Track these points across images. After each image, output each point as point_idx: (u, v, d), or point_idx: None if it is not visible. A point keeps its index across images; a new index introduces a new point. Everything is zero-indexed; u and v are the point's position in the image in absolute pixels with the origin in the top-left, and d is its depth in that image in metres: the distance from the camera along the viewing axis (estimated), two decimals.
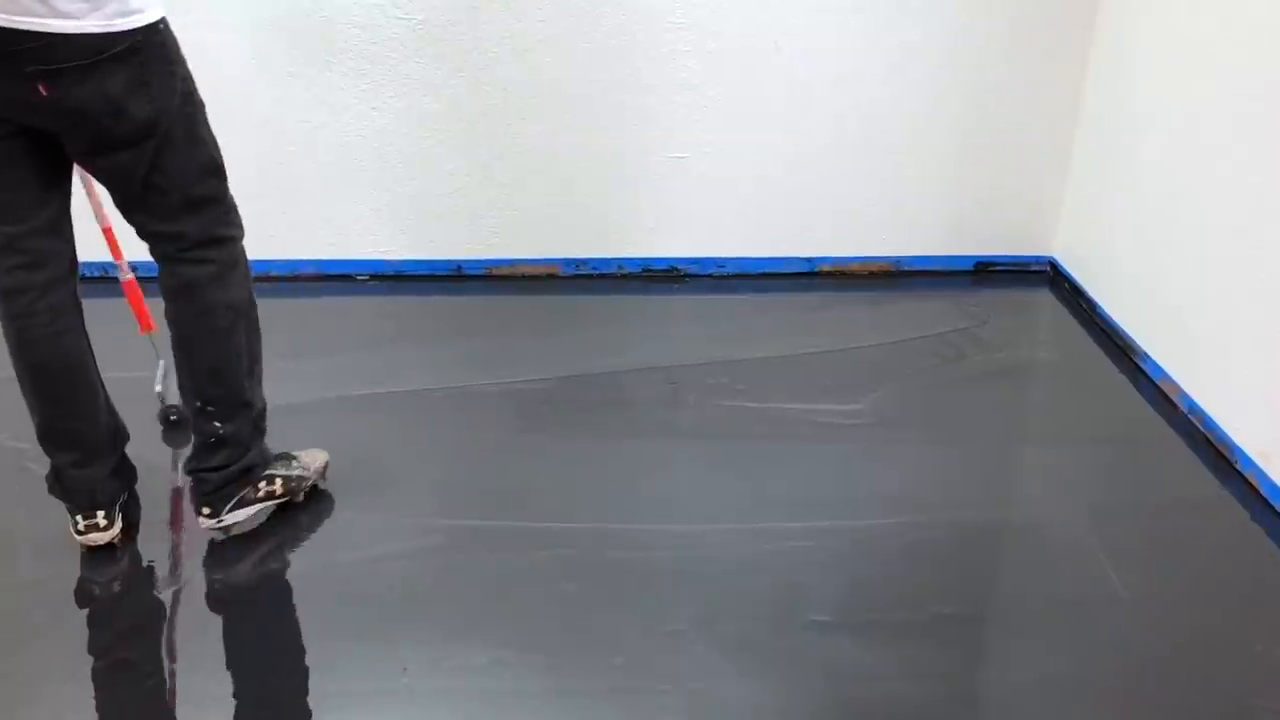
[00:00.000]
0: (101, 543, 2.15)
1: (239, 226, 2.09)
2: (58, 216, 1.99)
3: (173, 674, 1.89)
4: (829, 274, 3.37)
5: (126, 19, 1.77)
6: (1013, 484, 2.47)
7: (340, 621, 2.01)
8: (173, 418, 2.58)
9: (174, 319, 2.06)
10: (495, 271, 3.33)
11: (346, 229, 3.28)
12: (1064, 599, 2.08)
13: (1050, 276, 3.35)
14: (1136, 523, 2.27)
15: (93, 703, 1.83)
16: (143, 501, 2.30)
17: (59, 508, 2.15)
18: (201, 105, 1.97)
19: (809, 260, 3.36)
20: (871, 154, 3.22)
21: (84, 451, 2.10)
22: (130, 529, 2.22)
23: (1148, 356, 2.78)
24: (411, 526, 2.26)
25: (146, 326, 2.54)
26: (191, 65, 3.04)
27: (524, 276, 3.33)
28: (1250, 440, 2.37)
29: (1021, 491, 2.45)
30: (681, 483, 2.45)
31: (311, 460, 2.30)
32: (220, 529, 2.20)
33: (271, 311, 3.12)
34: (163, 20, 1.86)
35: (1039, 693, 1.87)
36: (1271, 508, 2.27)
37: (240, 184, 3.16)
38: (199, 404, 2.10)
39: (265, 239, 3.24)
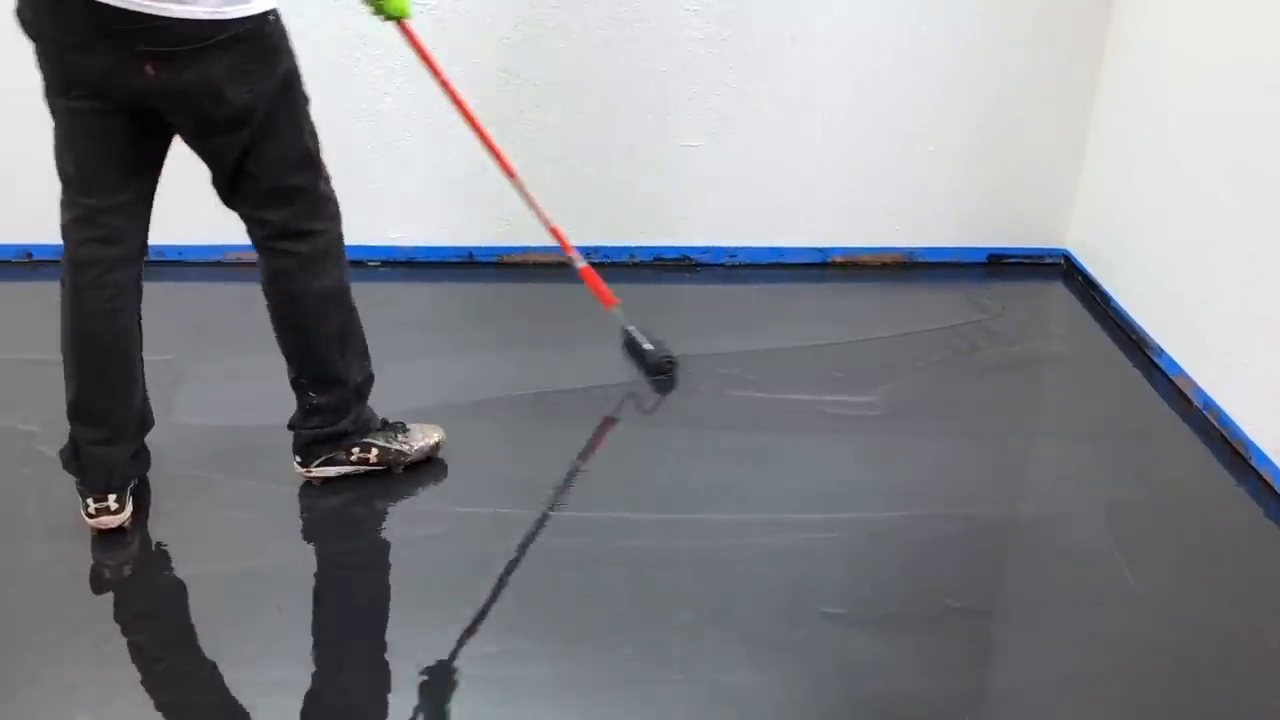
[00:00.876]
0: (112, 526, 2.15)
1: (329, 218, 2.12)
2: (138, 199, 2.04)
3: (183, 658, 1.89)
4: (841, 265, 3.36)
5: (234, 7, 1.81)
6: (1026, 478, 2.46)
7: (350, 609, 2.01)
8: (667, 366, 2.73)
9: (268, 302, 2.15)
10: (507, 259, 3.32)
11: (357, 215, 3.26)
12: (1077, 594, 2.07)
13: (1064, 269, 3.33)
14: (1151, 518, 2.26)
15: (99, 685, 1.84)
16: (155, 486, 2.30)
17: (69, 490, 2.15)
18: (304, 99, 2.03)
19: (821, 251, 3.35)
20: (885, 145, 3.20)
21: (112, 431, 2.12)
22: (139, 513, 2.22)
23: (1162, 351, 2.76)
24: (423, 514, 2.25)
25: (609, 301, 2.78)
26: None
27: (535, 264, 3.32)
28: (1265, 436, 2.35)
29: (1034, 486, 2.43)
30: (693, 473, 2.44)
31: (421, 437, 2.35)
32: (308, 477, 2.28)
33: None
34: (272, 12, 1.90)
35: (1052, 688, 1.86)
36: None
37: None
38: (294, 375, 2.20)
39: None
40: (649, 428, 2.58)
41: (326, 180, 2.11)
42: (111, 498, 2.13)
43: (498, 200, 3.23)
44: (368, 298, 3.15)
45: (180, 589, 2.04)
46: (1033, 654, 1.94)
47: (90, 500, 2.13)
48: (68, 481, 2.18)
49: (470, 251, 3.32)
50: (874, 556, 2.15)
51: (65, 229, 2.02)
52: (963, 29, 3.07)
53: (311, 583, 2.08)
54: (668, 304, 3.16)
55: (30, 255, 3.28)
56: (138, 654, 1.89)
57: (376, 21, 2.99)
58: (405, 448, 2.32)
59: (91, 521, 2.14)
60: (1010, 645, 1.98)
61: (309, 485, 2.30)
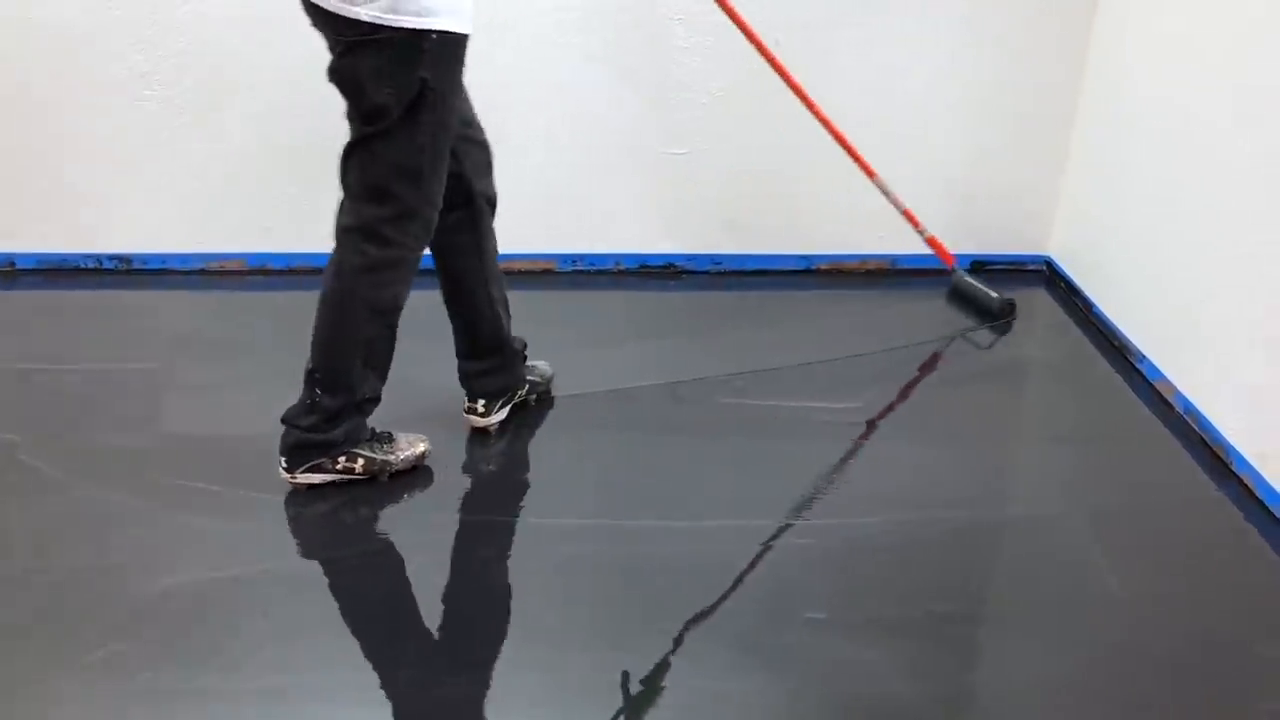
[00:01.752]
0: (477, 425, 2.50)
1: (414, 237, 2.17)
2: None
3: (168, 668, 1.88)
4: (826, 272, 3.37)
5: (393, 16, 1.95)
6: (1009, 483, 2.48)
7: (338, 616, 2.00)
8: (1009, 307, 3.07)
9: (323, 290, 2.21)
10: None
11: None
12: (1060, 598, 2.08)
13: (1046, 276, 3.35)
14: (1132, 523, 2.28)
15: (82, 697, 1.83)
16: (137, 494, 2.29)
17: (52, 499, 2.14)
18: (440, 124, 2.09)
19: (806, 258, 3.36)
20: (868, 152, 3.21)
21: (468, 347, 2.46)
22: (506, 425, 2.52)
23: (1144, 357, 2.78)
24: (410, 522, 2.25)
25: (949, 261, 3.16)
26: (184, 55, 3.04)
27: (520, 272, 3.32)
28: (1246, 442, 2.37)
29: (1017, 491, 2.45)
30: (678, 480, 2.44)
31: (407, 446, 2.36)
32: (291, 483, 2.29)
33: (265, 305, 3.14)
34: (436, 34, 1.99)
35: (1035, 692, 1.87)
36: (1266, 509, 2.27)
37: (236, 177, 3.18)
38: (310, 366, 2.24)
39: (261, 232, 3.26)
40: (633, 434, 2.58)
41: (430, 205, 2.16)
42: (480, 402, 2.48)
43: None
44: None
45: (165, 598, 2.03)
46: (1016, 658, 1.95)
47: (465, 400, 2.49)
48: (51, 491, 2.18)
49: None
50: (858, 562, 2.16)
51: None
52: (945, 37, 3.09)
53: (298, 590, 2.07)
54: (652, 311, 3.17)
55: (13, 264, 3.27)
56: (122, 664, 1.88)
57: None
58: (391, 457, 2.33)
59: (465, 418, 2.49)
60: (994, 649, 1.99)
61: (295, 493, 2.30)
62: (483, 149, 2.35)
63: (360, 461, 2.29)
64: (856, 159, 2.93)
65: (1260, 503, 2.29)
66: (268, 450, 2.40)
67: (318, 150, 3.15)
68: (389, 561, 2.14)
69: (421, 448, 2.39)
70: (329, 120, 3.11)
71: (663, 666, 1.90)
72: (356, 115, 2.09)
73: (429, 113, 2.06)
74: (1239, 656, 1.93)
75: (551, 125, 3.13)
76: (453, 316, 2.46)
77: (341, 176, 2.16)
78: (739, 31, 2.74)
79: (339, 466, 2.28)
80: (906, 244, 3.33)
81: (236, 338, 2.98)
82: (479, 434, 2.52)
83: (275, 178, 3.20)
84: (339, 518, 2.25)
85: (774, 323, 3.11)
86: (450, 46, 2.04)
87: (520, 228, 3.28)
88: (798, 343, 2.97)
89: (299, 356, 2.83)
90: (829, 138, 2.89)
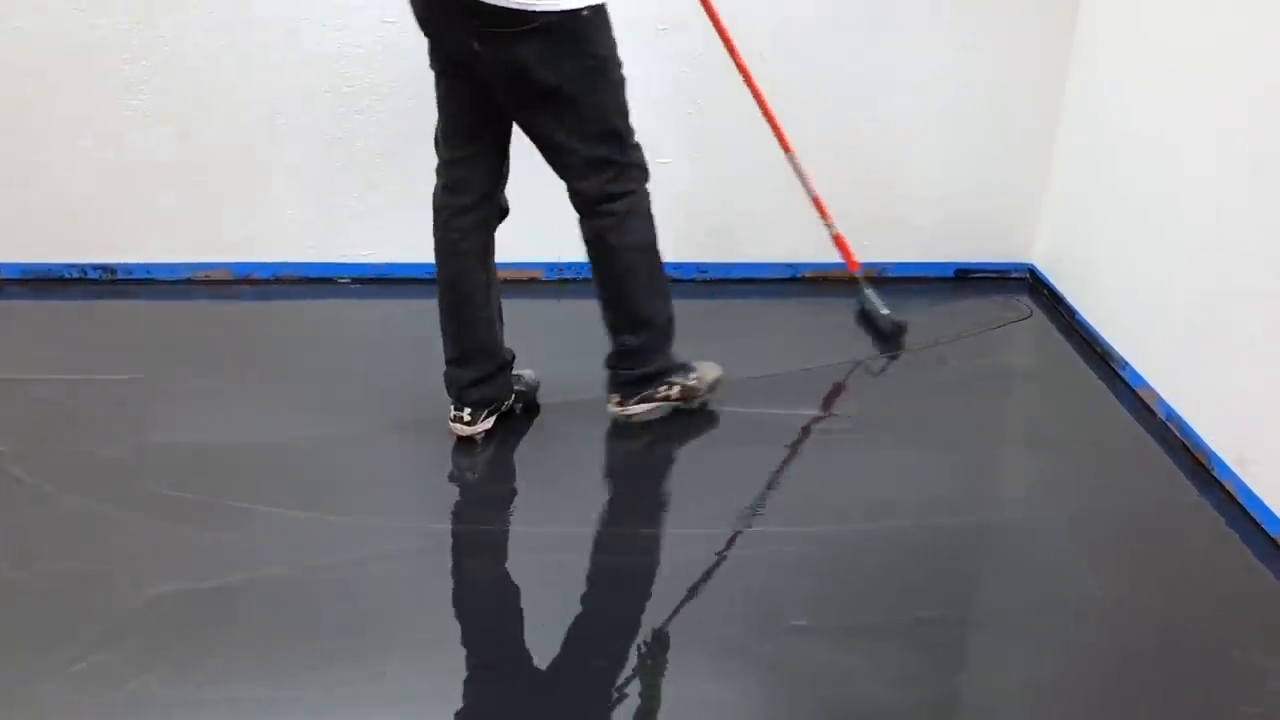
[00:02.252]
0: (462, 434, 2.50)
1: (636, 181, 2.37)
2: (479, 156, 2.35)
3: (154, 678, 1.88)
4: (811, 280, 3.38)
5: (544, 2, 2.05)
6: (993, 489, 2.49)
7: (322, 625, 2.00)
8: (898, 330, 3.01)
9: (590, 257, 2.42)
10: None
11: (328, 232, 3.28)
12: (1043, 603, 2.09)
13: (1030, 283, 3.37)
14: (1115, 528, 2.29)
15: (68, 707, 1.82)
16: (123, 504, 2.29)
17: (39, 511, 2.13)
18: (616, 83, 2.25)
19: (791, 266, 3.38)
20: (853, 161, 3.23)
21: (459, 354, 2.47)
22: (492, 434, 2.53)
23: (1126, 364, 2.80)
24: (394, 531, 2.25)
25: (853, 266, 3.12)
26: (169, 66, 3.05)
27: (506, 281, 3.31)
28: (1226, 447, 2.39)
29: (1001, 497, 2.46)
30: (664, 487, 2.45)
31: (706, 372, 2.61)
32: (624, 416, 2.55)
33: (250, 315, 3.14)
34: (588, 9, 2.11)
35: (1019, 696, 1.88)
36: (1247, 513, 2.29)
37: (221, 187, 3.18)
38: (610, 321, 2.48)
39: (246, 242, 3.26)
40: (619, 443, 2.59)
41: (635, 148, 2.35)
42: (465, 411, 2.48)
43: None
44: (340, 315, 3.19)
45: (149, 608, 2.03)
46: (1000, 662, 1.96)
47: (451, 408, 2.50)
48: (35, 501, 2.18)
49: None
50: (843, 567, 2.17)
51: (438, 171, 2.41)
52: (930, 49, 3.11)
53: (285, 600, 2.07)
54: None
55: None
56: (107, 674, 1.88)
57: (351, 39, 3.03)
58: (698, 384, 2.59)
59: (450, 426, 2.50)
60: (978, 654, 2.00)
61: (279, 503, 2.29)
62: (506, 159, 2.45)
63: (677, 388, 2.56)
64: (777, 131, 2.94)
65: (1241, 508, 2.31)
66: (252, 460, 2.41)
67: (302, 160, 3.17)
68: (373, 571, 2.14)
69: (717, 371, 2.64)
70: (313, 131, 3.13)
71: (646, 674, 1.90)
72: (519, 101, 2.20)
73: (604, 79, 2.22)
74: (1219, 660, 1.94)
75: None
76: (447, 321, 2.47)
77: (557, 172, 2.33)
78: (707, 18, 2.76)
79: (660, 395, 2.55)
80: (891, 252, 3.36)
81: (222, 347, 2.97)
82: (464, 442, 2.52)
83: (260, 187, 3.20)
84: (323, 529, 2.25)
85: (759, 330, 3.12)
86: (601, 13, 2.17)
87: (506, 236, 3.29)
88: (782, 350, 2.98)
89: (284, 365, 2.86)
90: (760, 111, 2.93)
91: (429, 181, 3.17)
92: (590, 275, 2.48)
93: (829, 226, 3.06)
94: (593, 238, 2.39)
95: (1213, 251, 2.44)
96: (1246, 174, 2.31)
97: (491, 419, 2.54)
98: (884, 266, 3.37)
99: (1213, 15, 2.44)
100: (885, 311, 3.04)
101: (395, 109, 3.12)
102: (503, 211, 2.47)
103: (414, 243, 3.28)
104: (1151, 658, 1.95)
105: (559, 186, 3.02)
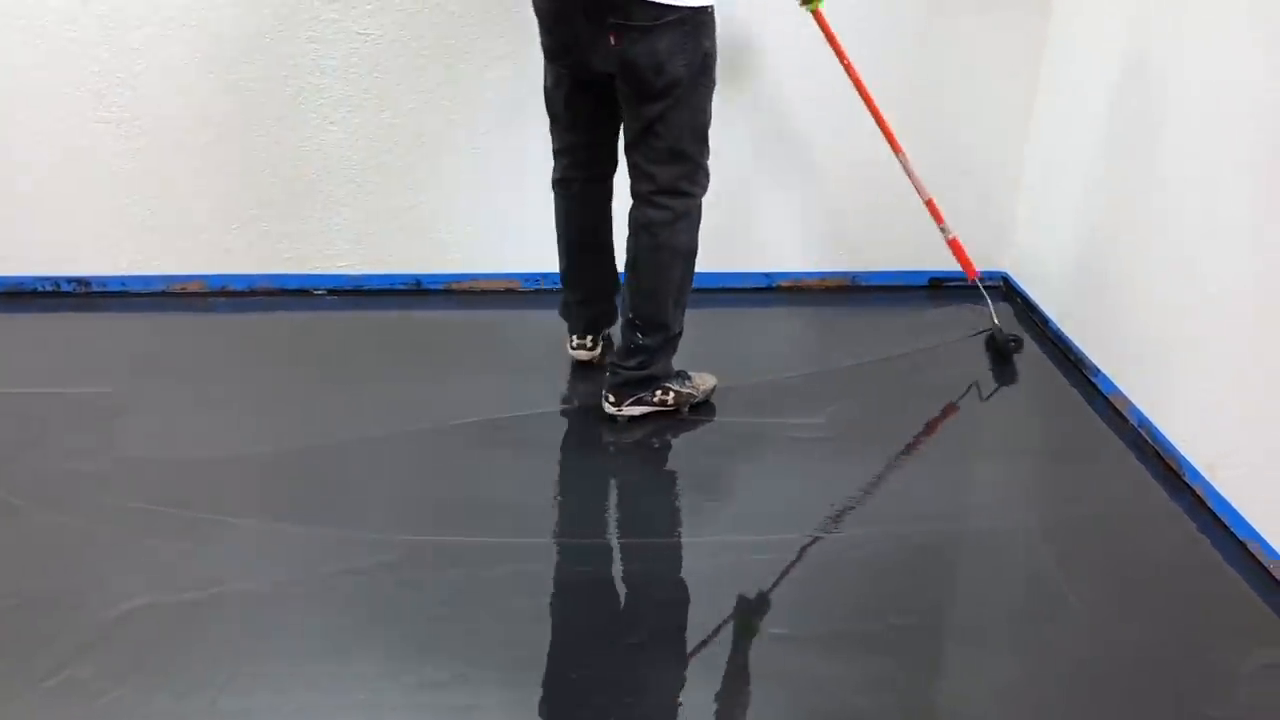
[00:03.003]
0: (584, 359, 2.85)
1: (702, 187, 2.50)
2: (601, 137, 2.56)
3: (130, 690, 1.87)
4: (787, 289, 3.40)
5: None
6: (967, 497, 2.50)
7: (298, 638, 1.99)
8: (1011, 346, 3.02)
9: (631, 248, 2.53)
10: (455, 286, 3.33)
11: (305, 244, 3.27)
12: (1017, 610, 2.11)
13: (1003, 291, 3.40)
14: (1088, 535, 2.31)
15: None
16: (97, 519, 2.28)
17: (21, 519, 2.11)
18: (713, 82, 2.40)
19: (767, 275, 3.39)
20: (829, 172, 3.25)
21: (585, 294, 2.78)
22: (603, 356, 2.81)
23: (1098, 370, 2.83)
24: (370, 543, 2.24)
25: (971, 275, 3.10)
26: (142, 77, 3.05)
27: (484, 292, 3.33)
28: (1197, 453, 2.41)
29: (976, 504, 2.47)
30: (640, 497, 2.46)
31: (702, 382, 2.72)
32: (619, 416, 2.63)
33: (225, 327, 3.13)
34: (710, 6, 2.30)
35: (993, 703, 1.90)
36: (1217, 518, 2.31)
37: (194, 199, 3.17)
38: (631, 316, 2.57)
39: (221, 254, 3.25)
40: (595, 453, 2.59)
41: (708, 156, 2.47)
42: (588, 338, 2.84)
43: (444, 228, 3.26)
44: (316, 327, 3.18)
45: (123, 621, 2.02)
46: (974, 669, 1.97)
47: (574, 338, 2.83)
48: (8, 516, 2.15)
49: (418, 279, 3.33)
50: (819, 576, 2.18)
51: (554, 155, 2.64)
52: (904, 61, 3.13)
53: (259, 613, 2.06)
54: (615, 329, 3.18)
55: None
56: (81, 688, 1.86)
57: (326, 51, 3.03)
58: (693, 391, 2.68)
59: (572, 353, 2.85)
60: (952, 661, 2.01)
61: (253, 516, 2.29)
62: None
63: (671, 395, 2.65)
64: (887, 134, 2.98)
65: (1211, 512, 2.33)
66: (226, 472, 2.40)
67: (278, 172, 3.17)
68: (347, 583, 2.13)
69: (712, 382, 2.75)
70: (288, 143, 3.13)
71: (625, 682, 1.91)
72: (648, 95, 2.31)
73: (707, 76, 2.37)
74: (1192, 665, 1.96)
75: (520, 146, 3.14)
76: (582, 267, 2.75)
77: (631, 147, 2.44)
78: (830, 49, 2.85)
79: (655, 399, 2.63)
80: (865, 261, 3.38)
81: (196, 360, 2.96)
82: (441, 451, 2.52)
83: (235, 199, 3.19)
84: (296, 541, 2.24)
85: (736, 340, 3.13)
86: (712, 15, 2.33)
87: (484, 247, 3.31)
88: (759, 360, 2.99)
89: (258, 378, 2.85)
90: (884, 144, 2.99)
91: (406, 192, 3.20)
92: (625, 269, 2.59)
93: (944, 231, 3.05)
94: (644, 226, 2.49)
95: (1184, 259, 2.47)
96: (1217, 183, 2.34)
97: (602, 343, 2.87)
98: (859, 276, 3.40)
99: (1183, 26, 2.48)
100: (998, 322, 3.06)
101: (370, 121, 3.12)
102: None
103: (389, 255, 3.30)
104: (1123, 662, 1.97)
105: (538, 196, 3.05)
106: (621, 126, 2.47)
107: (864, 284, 3.40)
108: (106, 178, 3.13)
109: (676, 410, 2.66)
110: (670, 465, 2.56)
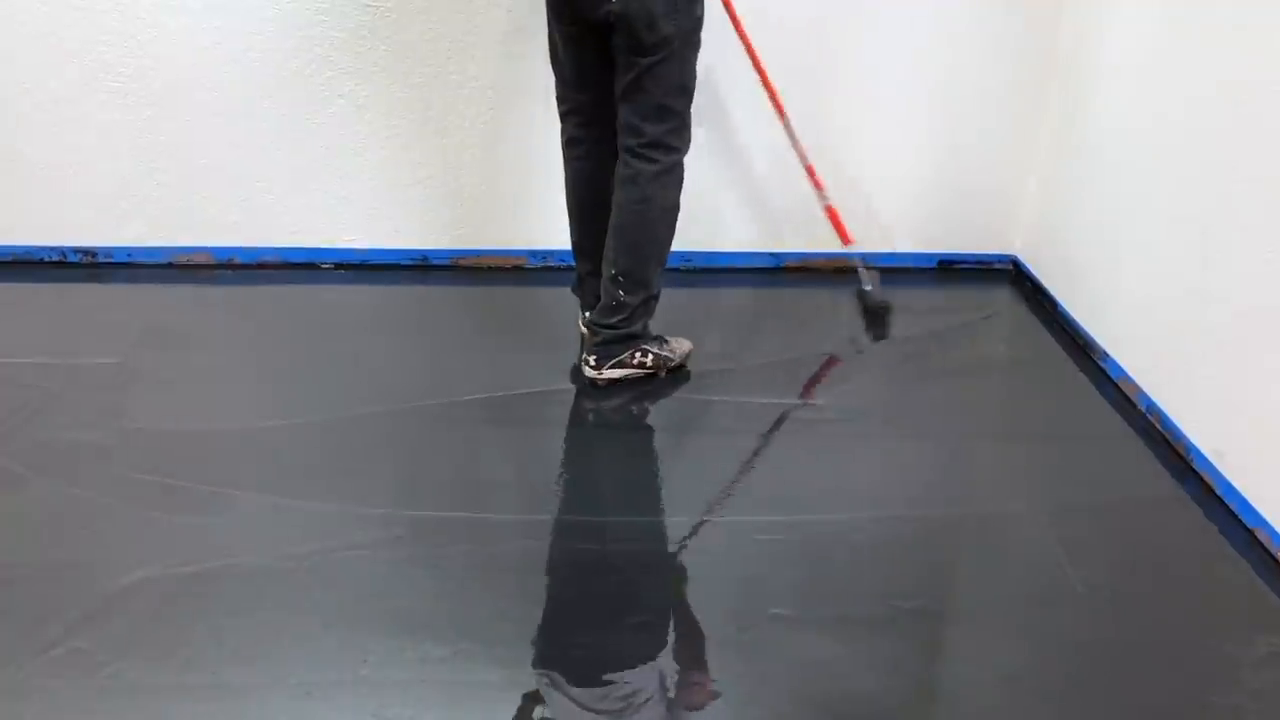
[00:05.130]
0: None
1: (686, 143, 2.59)
2: (605, 94, 2.55)
3: (131, 663, 1.87)
4: (795, 270, 3.39)
5: None
6: (973, 480, 2.49)
7: (301, 612, 1.99)
8: (881, 311, 3.08)
9: (618, 202, 2.58)
10: (461, 262, 3.32)
11: (311, 218, 3.26)
12: (1023, 595, 2.10)
13: (1012, 275, 3.38)
14: (1094, 519, 2.30)
15: (44, 692, 1.82)
16: (102, 488, 2.28)
17: (18, 493, 2.11)
18: (699, 43, 2.50)
19: (775, 256, 3.38)
20: (838, 153, 3.23)
21: (594, 265, 2.70)
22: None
23: (1107, 355, 2.82)
24: (374, 518, 2.24)
25: (846, 241, 3.10)
26: (150, 47, 3.03)
27: (490, 268, 3.32)
28: (1205, 439, 2.40)
29: (982, 488, 2.47)
30: (645, 476, 2.45)
31: (679, 346, 2.76)
32: (599, 379, 2.67)
33: (231, 299, 3.13)
34: None
35: (999, 687, 1.89)
36: (1225, 505, 2.31)
37: (203, 171, 3.16)
38: (614, 272, 2.60)
39: (228, 226, 3.24)
40: (600, 431, 2.59)
41: (690, 114, 2.56)
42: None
43: (452, 203, 3.25)
44: (322, 301, 3.18)
45: (128, 593, 2.02)
46: (980, 653, 1.97)
47: (586, 314, 2.77)
48: (13, 486, 2.16)
49: (425, 254, 3.32)
50: (824, 558, 2.17)
51: (562, 118, 2.67)
52: (915, 39, 3.11)
53: (265, 586, 2.06)
54: None
55: None
56: (85, 660, 1.87)
57: (334, 23, 3.01)
58: (670, 354, 2.72)
59: (584, 329, 2.77)
60: (958, 645, 2.00)
61: (258, 489, 2.29)
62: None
63: (650, 357, 2.69)
64: (771, 95, 2.98)
65: (1219, 499, 2.33)
66: (231, 445, 2.40)
67: (286, 145, 3.15)
68: (353, 558, 2.13)
69: (688, 346, 2.79)
70: (296, 115, 3.11)
71: (628, 661, 1.90)
72: (641, 49, 2.40)
73: (695, 37, 2.47)
74: (1198, 651, 1.96)
75: (528, 121, 3.12)
76: (591, 232, 2.69)
77: (622, 103, 2.51)
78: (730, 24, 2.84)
79: (635, 361, 2.68)
80: (875, 243, 3.36)
81: (202, 332, 2.96)
82: (446, 427, 2.51)
83: (242, 171, 3.18)
84: (301, 515, 2.24)
85: (743, 320, 3.12)
86: None
87: (492, 223, 3.29)
88: (766, 340, 2.98)
89: (265, 351, 2.84)
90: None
91: (414, 167, 3.18)
92: (610, 226, 2.61)
93: (822, 197, 3.05)
94: (631, 178, 2.55)
95: (1194, 245, 2.45)
96: (1228, 169, 2.32)
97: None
98: (867, 258, 3.37)
99: (1197, 10, 2.45)
100: (867, 287, 3.10)
101: (378, 93, 3.10)
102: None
103: (396, 230, 3.28)
104: (1128, 648, 1.96)
105: (546, 172, 3.03)
106: (616, 79, 2.51)
107: (872, 266, 3.38)
108: (113, 148, 3.12)
109: (655, 373, 2.71)
110: (676, 446, 2.56)
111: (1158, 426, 2.57)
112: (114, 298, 3.16)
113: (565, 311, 2.89)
